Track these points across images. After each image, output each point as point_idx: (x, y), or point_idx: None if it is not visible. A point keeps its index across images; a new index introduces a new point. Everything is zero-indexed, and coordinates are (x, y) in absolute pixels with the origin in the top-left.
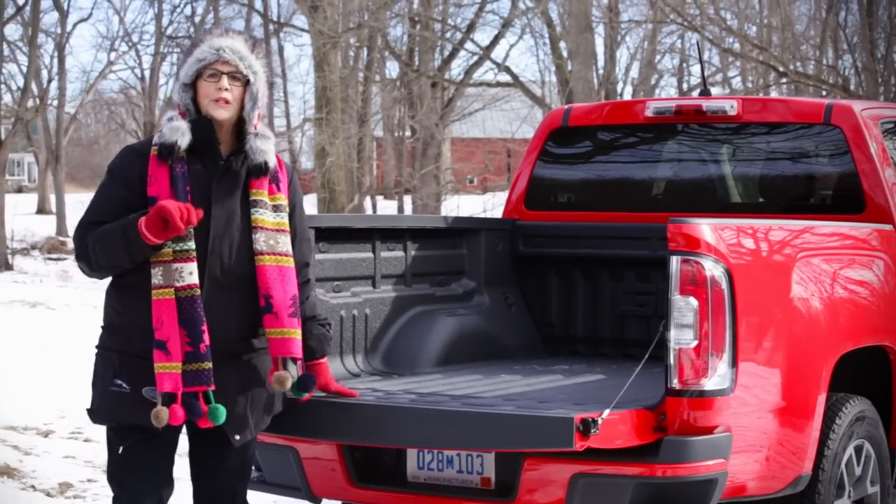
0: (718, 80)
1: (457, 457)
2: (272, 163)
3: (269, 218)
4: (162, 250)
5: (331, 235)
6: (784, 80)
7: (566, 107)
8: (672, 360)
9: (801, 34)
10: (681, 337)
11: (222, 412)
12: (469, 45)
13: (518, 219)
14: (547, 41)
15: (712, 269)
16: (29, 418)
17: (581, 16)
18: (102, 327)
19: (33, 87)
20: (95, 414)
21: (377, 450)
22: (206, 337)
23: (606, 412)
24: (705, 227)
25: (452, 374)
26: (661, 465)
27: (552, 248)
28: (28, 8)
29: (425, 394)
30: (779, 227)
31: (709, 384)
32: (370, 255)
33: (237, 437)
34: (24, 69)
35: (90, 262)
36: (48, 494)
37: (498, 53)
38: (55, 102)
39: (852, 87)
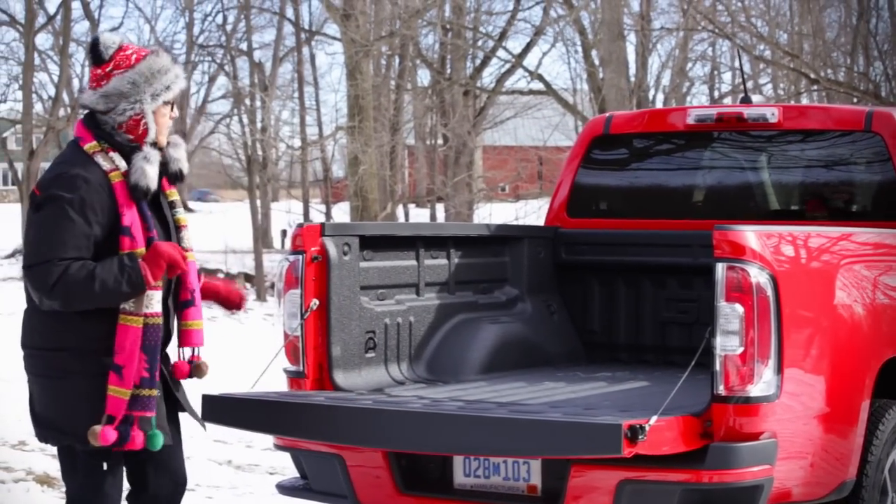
0: (749, 87)
1: (503, 464)
2: (186, 168)
3: (183, 216)
4: None
5: (375, 243)
6: (815, 87)
7: (608, 115)
8: (718, 367)
9: (832, 41)
10: (726, 343)
11: (160, 440)
12: (501, 53)
13: (560, 226)
14: (578, 49)
15: (758, 275)
16: None
17: (613, 23)
18: (65, 351)
19: (64, 96)
20: (86, 440)
21: (423, 457)
22: (159, 366)
23: (654, 419)
24: (751, 234)
25: (496, 382)
26: (707, 471)
27: (594, 256)
28: (59, 17)
29: (472, 401)
30: (822, 235)
31: (754, 390)
32: (414, 262)
33: (205, 424)
34: (56, 78)
35: (70, 302)
36: None
37: (530, 61)
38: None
39: (883, 94)
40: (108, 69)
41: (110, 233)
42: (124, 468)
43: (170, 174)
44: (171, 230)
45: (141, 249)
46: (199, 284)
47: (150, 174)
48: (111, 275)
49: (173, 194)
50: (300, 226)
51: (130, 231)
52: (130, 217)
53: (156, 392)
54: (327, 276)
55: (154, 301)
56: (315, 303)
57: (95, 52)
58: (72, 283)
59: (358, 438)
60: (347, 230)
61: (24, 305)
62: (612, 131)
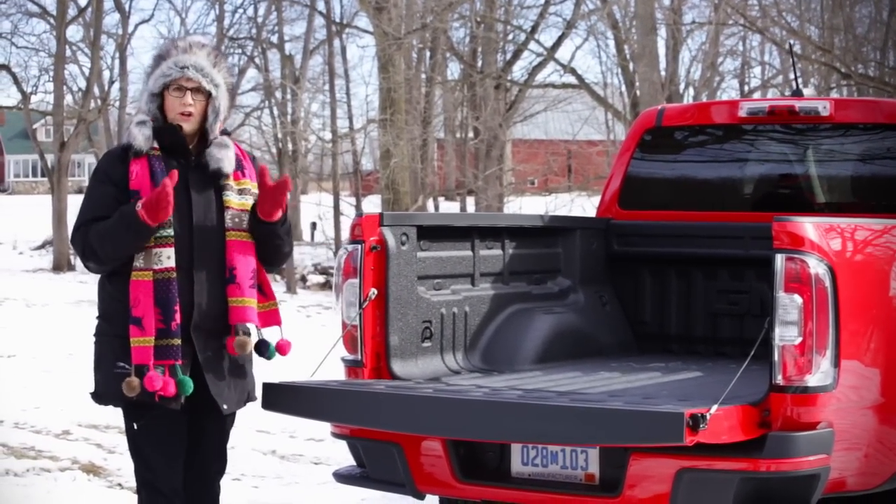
0: (779, 82)
1: (561, 452)
2: (227, 169)
3: (235, 199)
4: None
5: (432, 233)
6: (846, 82)
7: (660, 107)
8: (776, 357)
9: (863, 37)
10: (785, 334)
11: (190, 385)
12: (533, 47)
13: (612, 218)
14: (609, 43)
15: (816, 266)
16: (110, 416)
17: (647, 17)
18: (100, 316)
19: (95, 88)
20: (101, 396)
21: (481, 445)
22: (177, 316)
23: (714, 407)
24: (809, 226)
25: (552, 371)
26: (765, 459)
27: (646, 247)
28: (90, 10)
29: (530, 390)
30: (877, 227)
31: (812, 380)
32: (469, 253)
33: (225, 407)
34: (87, 70)
35: (98, 258)
36: (135, 492)
37: (561, 55)
38: (117, 103)
39: None
40: None
41: (128, 199)
42: (175, 434)
43: (210, 172)
44: (210, 208)
45: None
46: (250, 265)
47: (134, 134)
48: (113, 219)
49: (227, 179)
50: (359, 216)
51: (139, 195)
52: (138, 182)
53: (177, 341)
54: (385, 265)
55: (163, 257)
56: (373, 292)
57: None
58: (90, 238)
59: (420, 427)
60: (406, 220)
61: (59, 295)
62: (665, 124)
